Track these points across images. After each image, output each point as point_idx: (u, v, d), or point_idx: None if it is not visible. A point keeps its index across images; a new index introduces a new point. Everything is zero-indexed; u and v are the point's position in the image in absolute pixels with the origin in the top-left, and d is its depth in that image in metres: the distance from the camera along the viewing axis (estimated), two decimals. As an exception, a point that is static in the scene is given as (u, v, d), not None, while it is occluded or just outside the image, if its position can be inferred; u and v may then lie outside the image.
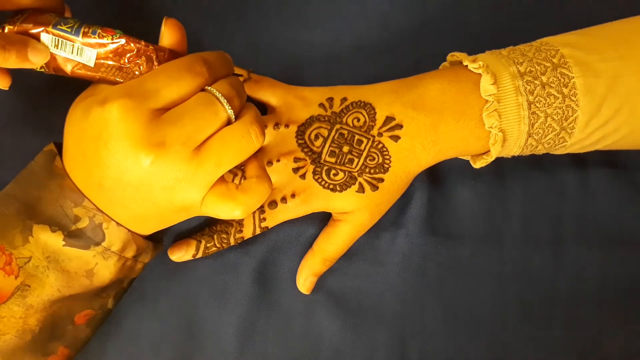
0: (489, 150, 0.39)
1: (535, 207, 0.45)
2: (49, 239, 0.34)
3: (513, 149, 0.39)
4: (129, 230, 0.35)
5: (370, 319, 0.44)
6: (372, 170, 0.39)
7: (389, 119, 0.39)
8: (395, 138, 0.39)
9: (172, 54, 0.35)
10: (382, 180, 0.39)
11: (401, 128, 0.39)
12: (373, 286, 0.44)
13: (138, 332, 0.42)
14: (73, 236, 0.34)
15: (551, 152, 0.41)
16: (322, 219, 0.43)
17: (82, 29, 0.34)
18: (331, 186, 0.39)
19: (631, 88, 0.37)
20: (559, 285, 0.44)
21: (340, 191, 0.39)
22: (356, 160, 0.39)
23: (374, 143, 0.39)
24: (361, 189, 0.39)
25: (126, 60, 0.34)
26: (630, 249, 0.45)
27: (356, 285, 0.44)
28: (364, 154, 0.39)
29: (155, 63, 0.34)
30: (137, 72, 0.34)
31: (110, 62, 0.34)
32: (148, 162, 0.31)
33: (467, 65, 0.39)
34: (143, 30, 0.46)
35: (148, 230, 0.37)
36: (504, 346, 0.44)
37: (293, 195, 0.40)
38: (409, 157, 0.39)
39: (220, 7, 0.46)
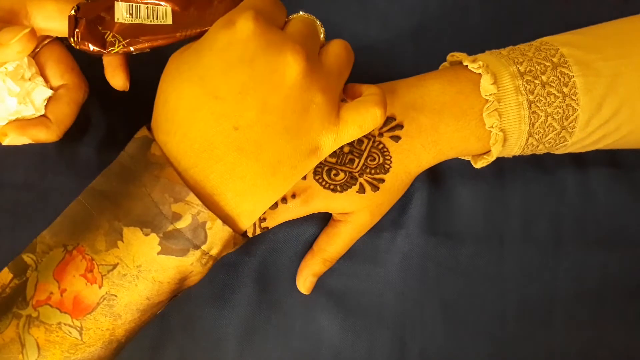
0: (490, 150, 0.39)
1: (536, 207, 0.45)
2: (141, 245, 0.31)
3: (514, 149, 0.39)
4: (232, 230, 0.32)
5: (370, 319, 0.44)
6: (372, 171, 0.39)
7: (389, 119, 0.39)
8: (396, 138, 0.39)
9: None
10: (382, 180, 0.39)
11: (402, 128, 0.39)
12: (373, 286, 0.44)
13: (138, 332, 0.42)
14: (169, 238, 0.31)
15: (552, 152, 0.41)
16: (323, 219, 0.43)
17: None
18: (332, 186, 0.39)
19: (631, 87, 0.38)
20: (559, 285, 0.44)
21: (341, 191, 0.39)
22: (357, 160, 0.39)
23: (374, 143, 0.39)
24: (362, 190, 0.39)
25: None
26: (630, 249, 0.45)
27: (356, 285, 0.44)
28: (365, 154, 0.39)
29: (220, 5, 0.34)
30: (214, 9, 0.33)
31: (187, 12, 0.33)
32: (297, 72, 0.31)
33: (467, 66, 0.39)
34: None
35: (272, 196, 0.34)
36: (503, 346, 0.44)
37: (293, 196, 0.39)
38: (410, 157, 0.39)
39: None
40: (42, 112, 0.38)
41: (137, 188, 0.31)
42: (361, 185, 0.39)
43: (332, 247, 0.41)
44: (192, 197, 0.31)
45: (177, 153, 0.31)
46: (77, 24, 0.33)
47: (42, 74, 0.38)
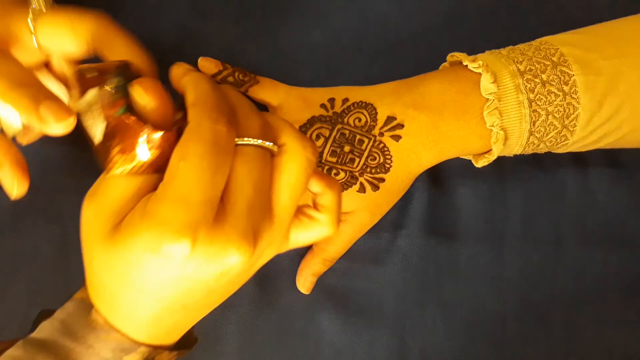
0: (491, 149, 0.39)
1: (536, 207, 0.45)
2: None
3: (515, 148, 0.39)
4: (178, 350, 0.32)
5: (370, 319, 0.44)
6: (373, 170, 0.39)
7: (390, 118, 0.39)
8: (397, 138, 0.39)
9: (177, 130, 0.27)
10: (383, 180, 0.39)
11: (402, 127, 0.39)
12: (373, 286, 0.44)
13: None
14: None
15: (553, 151, 0.41)
16: (323, 219, 0.43)
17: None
18: None
19: (632, 85, 0.38)
20: (559, 285, 0.44)
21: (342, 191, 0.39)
22: (357, 160, 0.39)
23: (375, 143, 0.39)
24: (362, 189, 0.39)
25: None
26: (630, 249, 0.45)
27: (356, 285, 0.44)
28: (365, 153, 0.39)
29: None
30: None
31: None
32: (242, 267, 0.27)
33: (467, 65, 0.39)
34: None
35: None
36: (503, 346, 0.44)
37: (294, 195, 0.39)
38: (410, 156, 0.39)
39: (220, 7, 0.46)
40: None
41: (85, 349, 0.29)
42: (361, 184, 0.39)
43: (332, 246, 0.41)
44: (142, 348, 0.29)
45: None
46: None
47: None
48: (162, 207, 0.25)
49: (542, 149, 0.40)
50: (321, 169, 0.39)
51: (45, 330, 0.29)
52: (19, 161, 0.34)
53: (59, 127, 0.29)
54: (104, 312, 0.29)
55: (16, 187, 0.34)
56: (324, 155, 0.40)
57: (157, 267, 0.26)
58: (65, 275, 0.43)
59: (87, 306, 0.29)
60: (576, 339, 0.44)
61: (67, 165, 0.43)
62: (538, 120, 0.38)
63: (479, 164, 0.41)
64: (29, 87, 0.30)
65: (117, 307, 0.29)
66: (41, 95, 0.29)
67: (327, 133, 0.40)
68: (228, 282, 0.28)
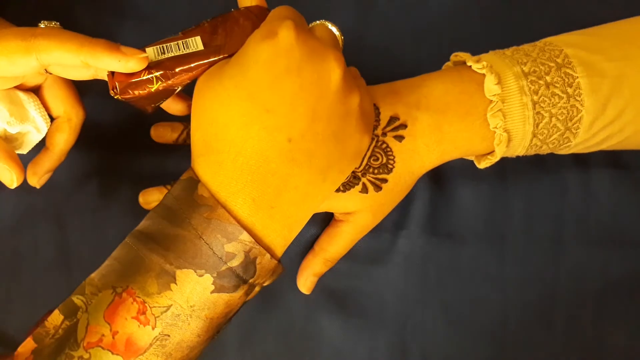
0: (494, 151, 0.39)
1: (537, 207, 0.45)
2: (195, 286, 0.31)
3: (517, 149, 0.39)
4: (278, 262, 0.33)
5: (371, 318, 0.44)
6: (375, 171, 0.39)
7: (393, 118, 0.39)
8: (400, 138, 0.39)
9: (260, 10, 0.35)
10: (385, 180, 0.39)
11: (405, 128, 0.39)
12: (374, 286, 0.44)
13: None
14: (223, 277, 0.31)
15: (555, 152, 0.41)
16: (324, 219, 0.43)
17: (179, 33, 0.34)
18: None
19: (636, 88, 0.37)
20: (560, 286, 0.44)
21: (344, 191, 0.39)
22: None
23: (378, 143, 0.39)
24: (364, 189, 0.39)
25: (226, 28, 0.34)
26: (631, 249, 0.45)
27: (357, 285, 0.44)
28: (368, 153, 0.39)
29: (246, 23, 0.34)
30: (241, 29, 0.34)
31: (216, 36, 0.34)
32: (340, 76, 0.31)
33: (470, 66, 0.39)
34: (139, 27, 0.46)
35: (321, 201, 0.34)
36: (504, 346, 0.44)
37: (296, 195, 0.39)
38: (413, 157, 0.39)
39: (219, 7, 0.46)
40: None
41: (186, 231, 0.31)
42: (364, 185, 0.39)
43: (333, 247, 0.41)
44: (245, 236, 0.31)
45: (233, 172, 0.31)
46: (113, 75, 0.33)
47: (44, 103, 0.39)
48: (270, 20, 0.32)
49: (545, 150, 0.40)
50: None
51: (151, 218, 0.32)
52: (9, 154, 0.36)
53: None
54: (215, 158, 0.31)
55: (14, 177, 0.35)
56: None
57: (267, 54, 0.30)
58: (66, 276, 0.43)
59: (194, 183, 0.31)
60: (576, 338, 0.44)
61: (67, 166, 0.43)
62: (541, 122, 0.38)
63: (482, 165, 0.41)
64: None
65: (228, 143, 0.31)
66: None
67: None
68: (330, 105, 0.31)
